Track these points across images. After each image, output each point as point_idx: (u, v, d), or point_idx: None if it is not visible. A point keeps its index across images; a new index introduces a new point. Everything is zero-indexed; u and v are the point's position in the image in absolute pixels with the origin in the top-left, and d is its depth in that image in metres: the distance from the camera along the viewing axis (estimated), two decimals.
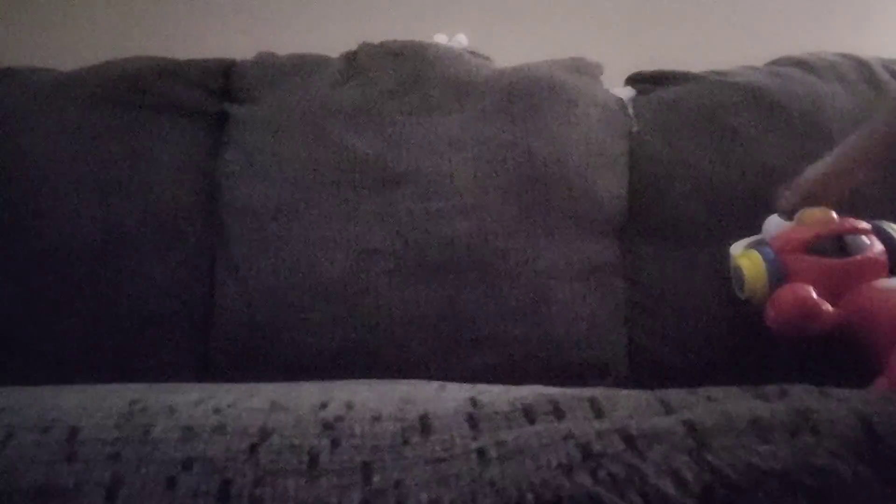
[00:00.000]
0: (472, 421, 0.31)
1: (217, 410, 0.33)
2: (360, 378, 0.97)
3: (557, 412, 0.32)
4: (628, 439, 0.30)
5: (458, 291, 1.02)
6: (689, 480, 0.29)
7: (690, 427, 0.30)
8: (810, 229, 0.94)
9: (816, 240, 0.93)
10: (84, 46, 1.30)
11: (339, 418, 0.32)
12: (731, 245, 1.00)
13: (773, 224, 0.98)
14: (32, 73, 1.21)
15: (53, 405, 0.35)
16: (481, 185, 1.07)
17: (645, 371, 1.04)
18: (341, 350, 1.01)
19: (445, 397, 0.34)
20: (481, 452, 0.30)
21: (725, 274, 1.01)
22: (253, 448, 0.31)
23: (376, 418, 0.32)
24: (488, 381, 0.93)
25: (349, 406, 0.34)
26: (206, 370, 1.04)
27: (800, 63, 1.22)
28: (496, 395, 0.35)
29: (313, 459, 0.30)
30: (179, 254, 1.08)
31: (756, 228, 1.06)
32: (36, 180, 1.09)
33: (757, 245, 0.97)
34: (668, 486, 0.29)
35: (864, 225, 0.96)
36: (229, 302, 1.05)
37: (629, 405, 0.33)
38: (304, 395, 0.36)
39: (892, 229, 0.97)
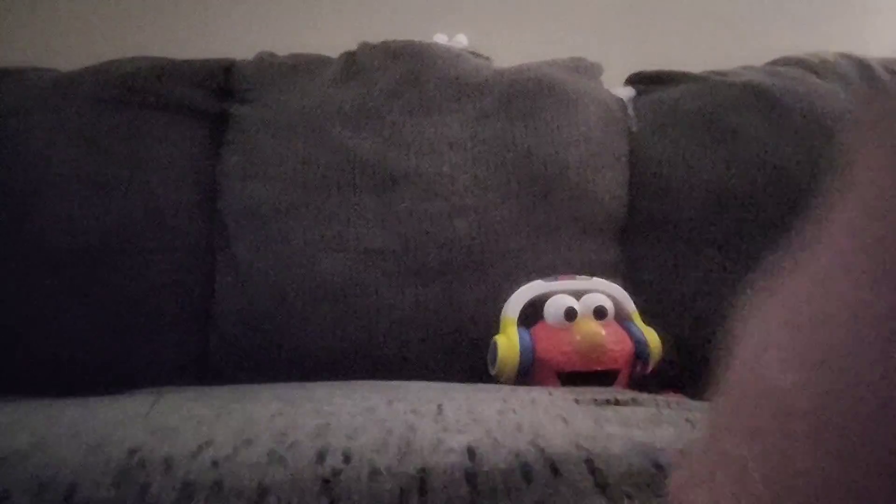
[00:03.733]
0: (471, 481, 0.31)
1: (215, 463, 0.33)
2: (359, 378, 0.98)
3: (554, 471, 0.31)
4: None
5: (457, 291, 1.02)
6: None
7: None
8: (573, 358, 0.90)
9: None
10: (84, 46, 1.30)
11: (336, 472, 0.32)
12: (513, 294, 0.96)
13: (553, 309, 0.93)
14: (32, 73, 1.21)
15: (51, 456, 0.35)
16: (481, 186, 1.07)
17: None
18: (341, 350, 1.01)
19: (444, 441, 0.34)
20: None
21: (725, 273, 1.01)
22: None
23: (374, 472, 0.32)
24: (488, 381, 0.94)
25: (346, 458, 0.33)
26: (206, 370, 1.04)
27: (800, 63, 1.22)
28: (494, 446, 0.35)
29: None
30: (179, 254, 1.08)
31: (755, 228, 1.06)
32: (36, 180, 1.09)
33: (522, 325, 0.94)
34: None
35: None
36: (229, 302, 1.05)
37: (624, 466, 0.32)
38: (302, 439, 0.35)
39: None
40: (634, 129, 1.16)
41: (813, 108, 1.14)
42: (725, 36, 1.42)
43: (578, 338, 0.89)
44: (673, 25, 1.43)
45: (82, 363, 1.04)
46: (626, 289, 1.02)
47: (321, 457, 0.33)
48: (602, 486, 0.30)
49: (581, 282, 0.98)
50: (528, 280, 1.00)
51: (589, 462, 0.30)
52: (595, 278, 1.00)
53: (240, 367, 1.02)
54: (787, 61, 1.23)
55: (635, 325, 0.97)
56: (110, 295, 1.06)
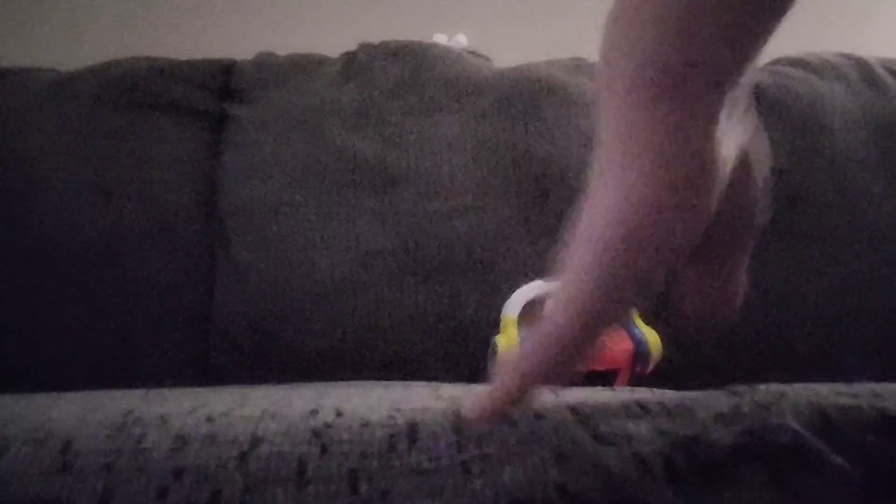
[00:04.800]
0: (459, 434, 0.32)
1: (209, 419, 0.34)
2: (359, 379, 0.98)
3: (538, 416, 0.33)
4: (598, 438, 0.32)
5: (458, 291, 1.02)
6: (653, 464, 0.30)
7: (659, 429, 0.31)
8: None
9: None
10: (84, 46, 1.30)
11: (328, 425, 0.33)
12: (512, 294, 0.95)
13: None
14: (32, 74, 1.21)
15: (48, 417, 0.36)
16: (481, 186, 1.07)
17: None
18: (341, 350, 1.01)
19: (434, 406, 0.36)
20: (465, 466, 0.31)
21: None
22: (243, 456, 0.31)
23: (364, 425, 0.33)
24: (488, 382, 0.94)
25: (339, 413, 0.34)
26: (206, 370, 1.04)
27: (800, 63, 1.22)
28: None
29: (302, 467, 0.31)
30: (179, 254, 1.08)
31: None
32: (35, 180, 1.09)
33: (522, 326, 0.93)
34: (633, 473, 0.30)
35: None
36: (229, 302, 1.05)
37: (610, 409, 0.34)
38: (296, 402, 0.36)
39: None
40: None
41: (813, 108, 1.14)
42: None
43: None
44: None
45: (82, 363, 1.04)
46: None
47: (314, 413, 0.34)
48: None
49: None
50: (528, 280, 1.00)
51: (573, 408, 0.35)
52: None
53: (240, 367, 1.02)
54: (787, 61, 1.23)
55: (635, 325, 0.97)
56: (110, 295, 1.06)
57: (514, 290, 0.99)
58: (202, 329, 1.06)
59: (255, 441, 0.32)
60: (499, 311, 0.99)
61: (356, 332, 1.01)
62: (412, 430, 0.32)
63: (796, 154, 1.11)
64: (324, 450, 0.31)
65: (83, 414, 0.36)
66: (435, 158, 1.08)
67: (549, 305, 0.36)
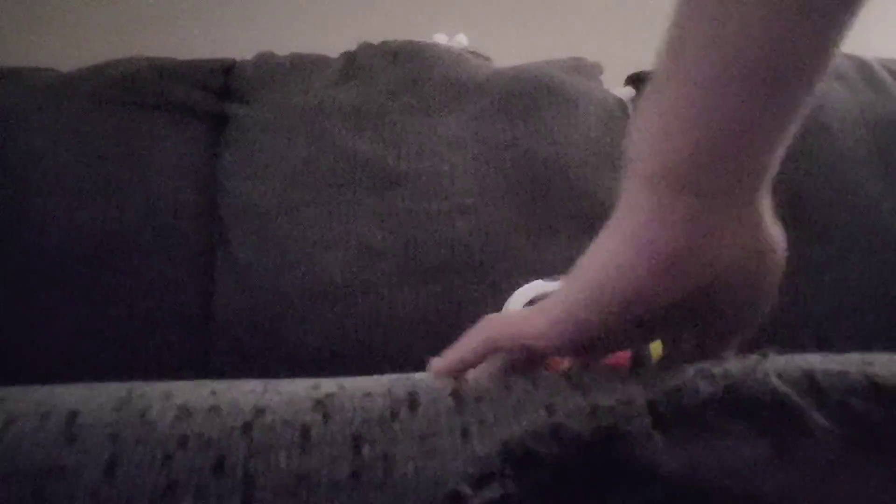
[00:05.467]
0: (458, 399, 0.33)
1: (213, 393, 0.35)
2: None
3: (533, 382, 0.34)
4: (589, 395, 0.33)
5: (458, 291, 1.02)
6: (640, 411, 0.32)
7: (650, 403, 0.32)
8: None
9: None
10: (84, 46, 1.30)
11: (330, 395, 0.34)
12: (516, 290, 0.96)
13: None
14: (32, 73, 1.21)
15: (52, 394, 0.37)
16: (481, 185, 1.07)
17: None
18: (341, 350, 1.01)
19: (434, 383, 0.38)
20: (464, 429, 0.32)
21: None
22: (246, 425, 0.32)
23: (366, 395, 0.34)
24: None
25: (341, 386, 0.35)
26: (206, 370, 1.04)
27: None
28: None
29: (305, 434, 0.31)
30: (179, 254, 1.08)
31: None
32: (36, 180, 1.09)
33: None
34: (621, 416, 0.31)
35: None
36: (229, 302, 1.05)
37: (602, 374, 0.36)
38: (297, 381, 0.38)
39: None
40: None
41: (813, 108, 1.14)
42: None
43: None
44: None
45: (82, 362, 1.04)
46: None
47: (315, 386, 0.35)
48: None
49: None
50: (528, 280, 1.00)
51: (569, 377, 0.36)
52: None
53: (240, 367, 1.02)
54: None
55: None
56: (110, 295, 1.06)
57: (514, 290, 0.99)
58: (202, 329, 1.06)
59: (259, 411, 0.32)
60: (499, 311, 0.99)
61: (356, 331, 1.01)
62: (413, 398, 0.33)
63: (796, 154, 1.10)
64: (326, 417, 0.32)
65: (88, 391, 0.37)
66: (435, 158, 1.08)
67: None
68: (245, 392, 0.35)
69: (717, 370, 0.32)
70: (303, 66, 1.19)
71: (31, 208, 1.08)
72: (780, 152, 0.38)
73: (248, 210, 1.08)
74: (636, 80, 1.23)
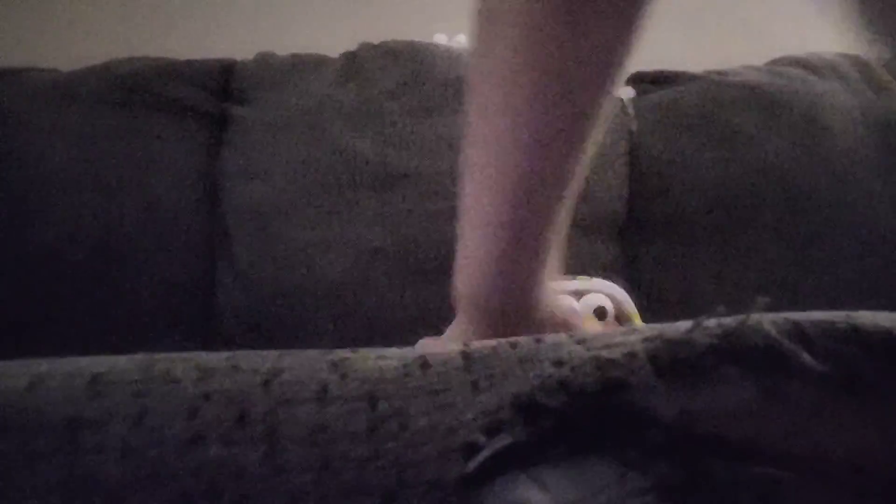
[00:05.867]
0: (467, 358, 0.35)
1: (230, 357, 0.37)
2: None
3: (538, 340, 0.36)
4: (593, 349, 0.34)
5: None
6: (642, 361, 0.33)
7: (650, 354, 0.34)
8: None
9: None
10: (84, 46, 1.30)
11: (344, 359, 0.36)
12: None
13: None
14: (32, 73, 1.21)
15: (75, 360, 0.40)
16: None
17: None
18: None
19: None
20: (474, 384, 0.33)
21: (725, 272, 1.01)
22: (266, 383, 0.33)
23: (380, 357, 0.36)
24: None
25: (353, 351, 0.37)
26: None
27: (800, 63, 1.22)
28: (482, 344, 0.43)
29: (322, 390, 0.33)
30: (179, 254, 1.08)
31: (755, 228, 1.06)
32: (36, 180, 1.09)
33: None
34: (623, 367, 0.33)
35: None
36: (229, 302, 1.05)
37: (605, 334, 0.38)
38: (311, 350, 0.40)
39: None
40: (634, 129, 1.16)
41: (813, 108, 1.14)
42: (725, 36, 1.42)
43: None
44: (673, 25, 1.43)
45: None
46: (625, 289, 1.02)
47: (329, 352, 0.37)
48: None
49: (581, 282, 0.99)
50: None
51: (571, 336, 0.38)
52: (595, 279, 1.00)
53: None
54: (787, 61, 1.23)
55: (630, 324, 0.97)
56: (110, 295, 1.06)
57: None
58: (202, 329, 1.06)
59: (277, 371, 0.34)
60: None
61: (356, 331, 1.01)
62: (424, 360, 0.35)
63: (796, 154, 1.11)
64: (343, 376, 0.34)
65: (110, 357, 0.39)
66: (435, 158, 1.08)
67: None
68: (261, 356, 0.36)
69: (711, 323, 0.34)
70: (303, 66, 1.19)
71: (31, 208, 1.08)
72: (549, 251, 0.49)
73: (249, 210, 1.08)
74: (636, 80, 1.23)
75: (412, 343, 1.01)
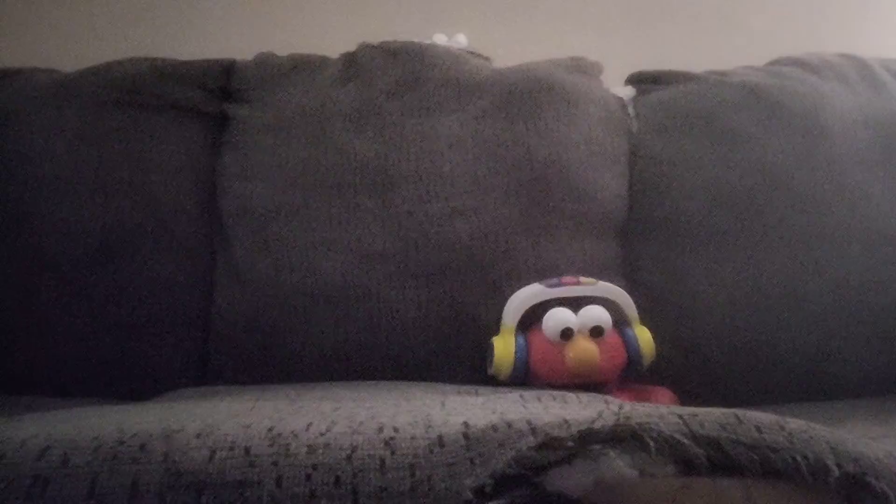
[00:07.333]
0: (466, 436, 0.50)
1: (323, 433, 0.52)
2: (359, 380, 0.98)
3: (509, 426, 0.50)
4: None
5: (458, 292, 1.02)
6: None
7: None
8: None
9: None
10: (84, 46, 1.30)
11: (392, 438, 0.51)
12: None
13: (551, 324, 0.94)
14: (32, 74, 1.21)
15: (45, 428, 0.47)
16: (481, 186, 1.07)
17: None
18: (341, 351, 1.01)
19: (449, 420, 0.54)
20: (471, 460, 0.49)
21: (725, 273, 1.00)
22: (348, 457, 0.49)
23: (412, 438, 0.51)
24: (489, 384, 0.94)
25: (395, 429, 0.53)
26: (206, 371, 1.04)
27: (800, 63, 1.22)
28: (480, 418, 0.54)
29: (382, 463, 0.49)
30: (179, 254, 1.08)
31: (755, 228, 1.06)
32: (36, 180, 1.09)
33: (519, 331, 0.97)
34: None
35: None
36: (229, 303, 1.05)
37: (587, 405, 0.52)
38: (364, 421, 0.56)
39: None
40: (634, 129, 1.16)
41: (813, 108, 1.14)
42: (725, 36, 1.42)
43: (571, 355, 0.93)
44: (673, 25, 1.43)
45: (81, 363, 1.04)
46: (625, 288, 1.02)
47: (380, 429, 0.53)
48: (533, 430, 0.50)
49: (583, 288, 0.99)
50: (529, 281, 1.00)
51: (529, 422, 0.51)
52: (600, 283, 1.00)
53: (240, 368, 1.02)
54: (787, 61, 1.23)
55: (632, 333, 0.97)
56: (110, 295, 1.06)
57: (514, 291, 1.00)
58: (202, 329, 1.06)
59: (354, 447, 0.49)
60: (499, 312, 0.99)
61: (357, 332, 1.01)
62: (441, 439, 0.49)
63: (796, 154, 1.11)
64: (392, 451, 0.48)
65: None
66: (435, 158, 1.08)
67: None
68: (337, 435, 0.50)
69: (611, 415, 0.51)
70: (303, 66, 1.19)
71: (31, 209, 1.08)
72: None
73: (248, 211, 1.08)
74: (636, 80, 1.23)
75: (412, 344, 1.01)
